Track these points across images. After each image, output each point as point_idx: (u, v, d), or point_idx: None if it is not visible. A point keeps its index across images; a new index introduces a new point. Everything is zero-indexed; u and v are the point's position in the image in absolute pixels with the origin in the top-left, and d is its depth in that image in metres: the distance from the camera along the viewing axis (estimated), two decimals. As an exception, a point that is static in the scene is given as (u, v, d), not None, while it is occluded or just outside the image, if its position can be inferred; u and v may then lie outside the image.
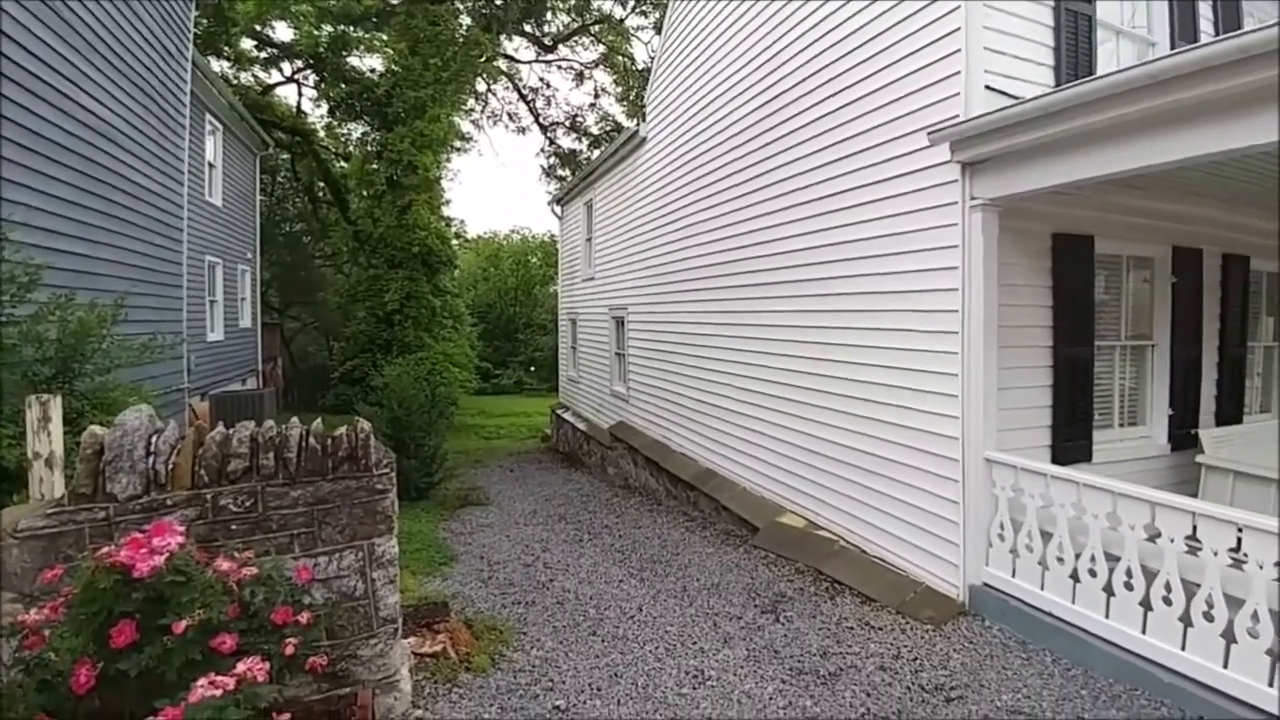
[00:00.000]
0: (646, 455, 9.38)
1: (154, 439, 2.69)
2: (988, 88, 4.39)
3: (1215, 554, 3.18)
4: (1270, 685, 2.98)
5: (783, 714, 3.32)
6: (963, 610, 4.37)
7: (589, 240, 13.61)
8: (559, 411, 15.03)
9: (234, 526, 2.80)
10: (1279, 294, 6.72)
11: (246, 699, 2.04)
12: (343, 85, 17.00)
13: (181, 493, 2.70)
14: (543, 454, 14.02)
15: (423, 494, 8.52)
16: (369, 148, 17.02)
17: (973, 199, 4.32)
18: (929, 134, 4.47)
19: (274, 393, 12.99)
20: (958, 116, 4.34)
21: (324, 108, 19.96)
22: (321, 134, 21.42)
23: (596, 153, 20.14)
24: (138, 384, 5.05)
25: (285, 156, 21.68)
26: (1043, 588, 4.00)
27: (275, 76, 20.45)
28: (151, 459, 2.66)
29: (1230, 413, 6.02)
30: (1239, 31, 2.87)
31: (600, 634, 4.26)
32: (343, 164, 21.02)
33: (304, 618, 2.50)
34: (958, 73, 4.42)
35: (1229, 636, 3.14)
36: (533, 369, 27.00)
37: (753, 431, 6.98)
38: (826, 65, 5.76)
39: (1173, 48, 5.20)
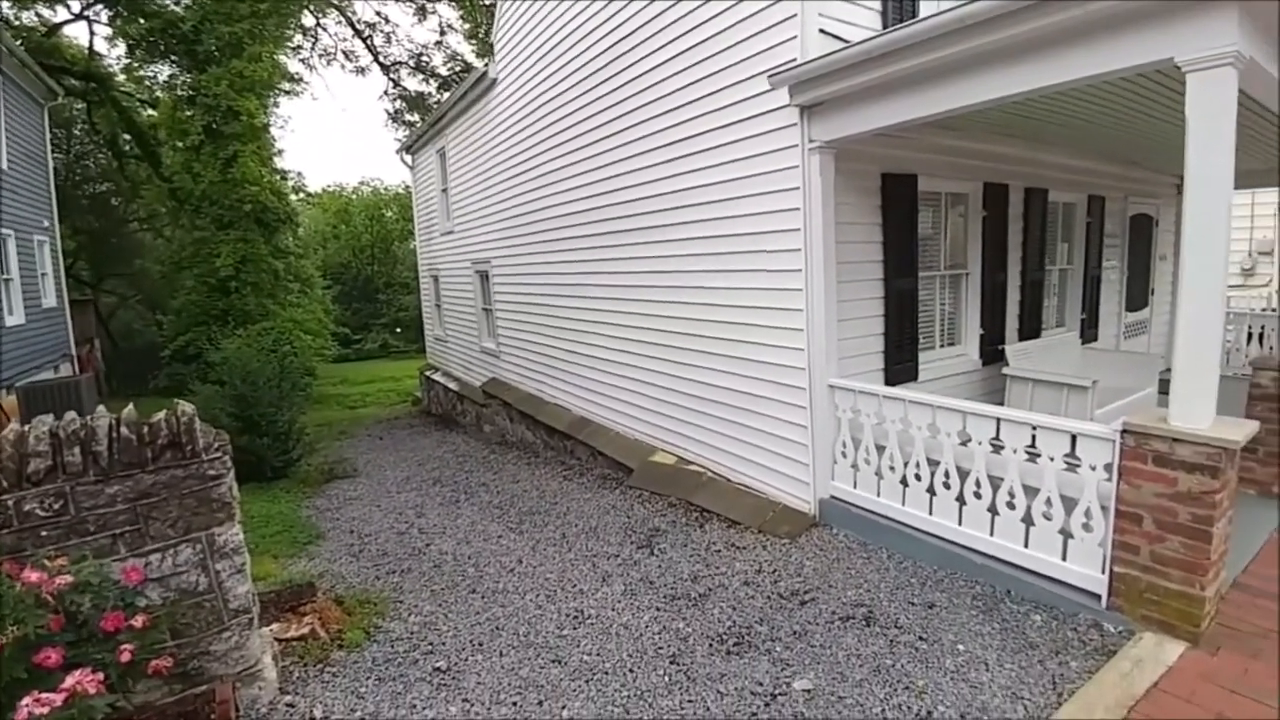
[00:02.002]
0: (521, 410, 9.31)
1: (-66, 443, 2.31)
2: (822, 31, 4.54)
3: (1015, 452, 3.68)
4: (1063, 559, 3.53)
5: (658, 639, 3.53)
6: (814, 523, 4.82)
7: (444, 191, 12.90)
8: (428, 373, 14.47)
9: (44, 533, 2.53)
10: (1072, 222, 7.70)
11: (81, 713, 1.94)
12: (141, 21, 14.59)
13: (-25, 501, 2.35)
14: (415, 418, 13.51)
15: (280, 473, 7.98)
16: (180, 92, 14.94)
17: (811, 141, 4.53)
18: (769, 77, 4.60)
19: (93, 379, 11.47)
20: (795, 60, 4.49)
21: (121, 48, 17.06)
22: (121, 78, 18.38)
23: (446, 95, 18.95)
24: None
25: (80, 106, 18.51)
26: (879, 494, 4.49)
27: (61, 15, 17.17)
28: (-67, 466, 2.29)
29: (1031, 329, 6.90)
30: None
31: (480, 591, 4.27)
32: (150, 112, 18.27)
33: (139, 621, 2.35)
34: (794, 16, 4.52)
35: (1028, 521, 3.67)
36: (399, 331, 25.70)
37: (622, 377, 7.12)
38: (669, 6, 5.71)
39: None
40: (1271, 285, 11.43)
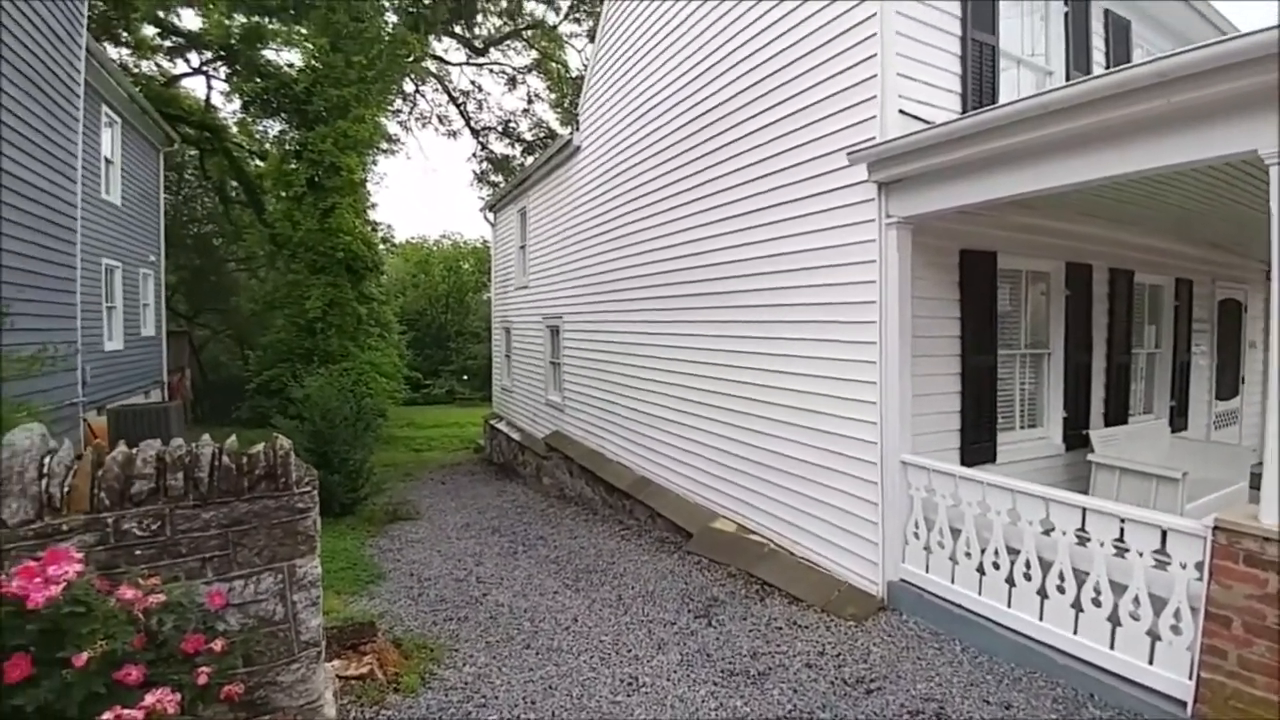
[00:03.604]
0: (582, 464, 9.36)
1: (47, 460, 2.52)
2: (901, 112, 4.65)
3: (1101, 545, 3.47)
4: (1150, 663, 3.27)
5: (714, 715, 3.40)
6: (882, 606, 4.59)
7: (523, 248, 13.49)
8: (493, 422, 14.79)
9: (139, 552, 2.63)
10: (1159, 305, 7.39)
11: (157, 731, 1.95)
12: (258, 80, 16.15)
13: (79, 517, 2.52)
14: (476, 465, 13.75)
15: (348, 510, 8.21)
16: (287, 147, 16.25)
17: (888, 217, 4.57)
18: (848, 154, 4.70)
19: (180, 406, 12.20)
20: (874, 139, 4.59)
21: (236, 103, 18.92)
22: (234, 130, 20.28)
23: (530, 159, 20.01)
24: (25, 398, 4.67)
25: (193, 153, 20.42)
26: (953, 581, 4.26)
27: (181, 67, 19.25)
28: (45, 481, 2.48)
29: (1117, 414, 6.57)
30: (1123, 66, 3.16)
31: (535, 647, 4.23)
32: (258, 162, 19.95)
33: (218, 645, 2.41)
34: (874, 97, 4.66)
35: (1114, 620, 3.42)
36: (465, 378, 26.42)
37: (686, 439, 7.10)
38: (754, 84, 5.96)
39: (1068, 77, 5.64)
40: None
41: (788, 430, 5.55)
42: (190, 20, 17.88)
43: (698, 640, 4.29)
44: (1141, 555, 3.30)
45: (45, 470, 2.50)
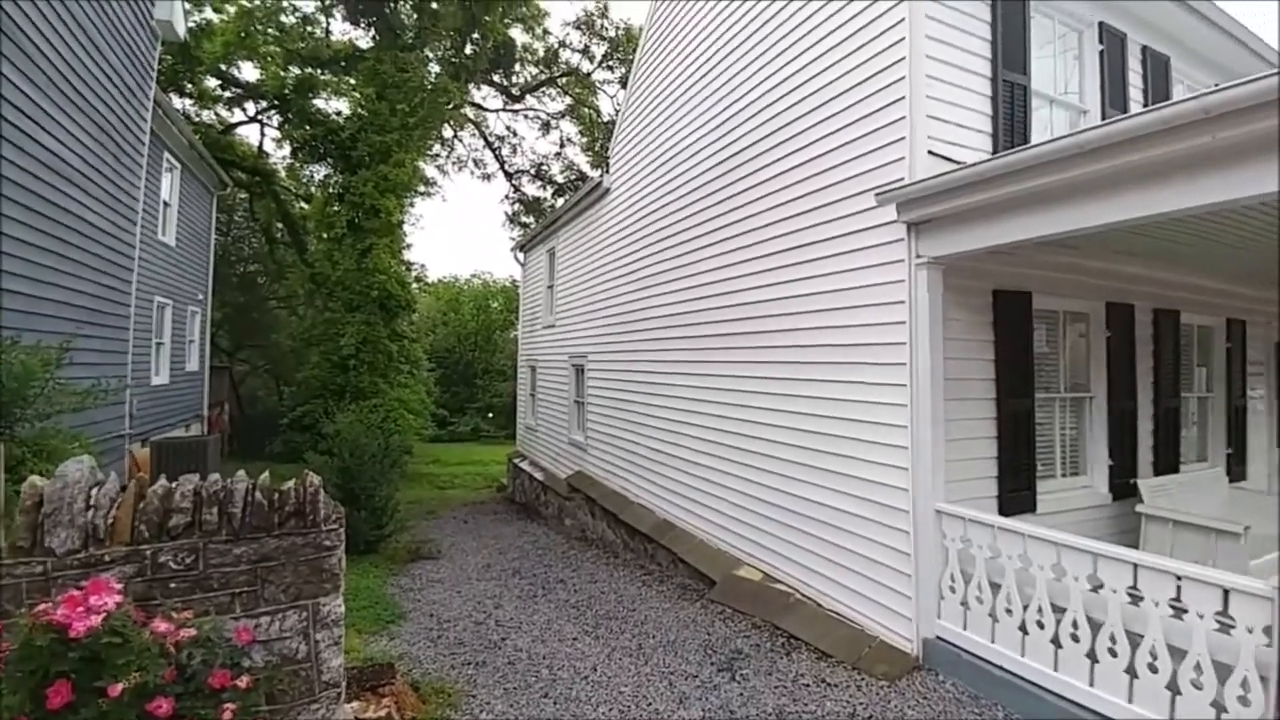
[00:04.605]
0: (604, 506, 9.26)
1: (94, 491, 2.59)
2: (930, 152, 4.64)
3: (1156, 605, 3.25)
4: (1214, 737, 3.03)
5: (740, 777, 3.24)
6: (917, 665, 4.37)
7: (550, 288, 13.68)
8: (516, 460, 14.78)
9: (173, 585, 2.67)
10: (1209, 347, 7.13)
11: (183, 765, 1.99)
12: (307, 127, 17.00)
13: (120, 548, 2.58)
14: (498, 504, 13.70)
15: (372, 547, 8.21)
16: (331, 190, 16.93)
17: (918, 257, 4.52)
18: (876, 195, 4.70)
19: (218, 440, 12.46)
20: (903, 179, 4.57)
21: (286, 149, 19.90)
22: (283, 174, 21.25)
23: (560, 201, 20.47)
24: (78, 430, 4.82)
25: (243, 196, 21.39)
26: (993, 640, 4.04)
27: (238, 116, 20.36)
28: (91, 513, 2.55)
29: (1167, 462, 6.28)
30: (1164, 103, 3.08)
31: (553, 696, 4.12)
32: (303, 205, 20.82)
33: (243, 681, 2.42)
34: (903, 138, 4.68)
35: (1174, 688, 3.18)
36: (490, 416, 26.59)
37: (710, 483, 6.99)
38: (782, 126, 6.04)
39: (1103, 115, 5.59)
40: None
41: (815, 475, 5.42)
42: (249, 72, 19.01)
43: (720, 695, 4.13)
44: (1202, 617, 3.09)
45: (92, 501, 2.57)
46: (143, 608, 2.46)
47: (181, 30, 9.31)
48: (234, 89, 19.16)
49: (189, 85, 17.60)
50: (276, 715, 2.79)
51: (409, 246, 19.75)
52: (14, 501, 2.53)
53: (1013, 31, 5.14)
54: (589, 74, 24.46)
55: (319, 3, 18.52)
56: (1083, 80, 5.79)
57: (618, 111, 13.59)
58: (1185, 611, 3.16)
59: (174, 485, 2.77)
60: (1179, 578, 3.21)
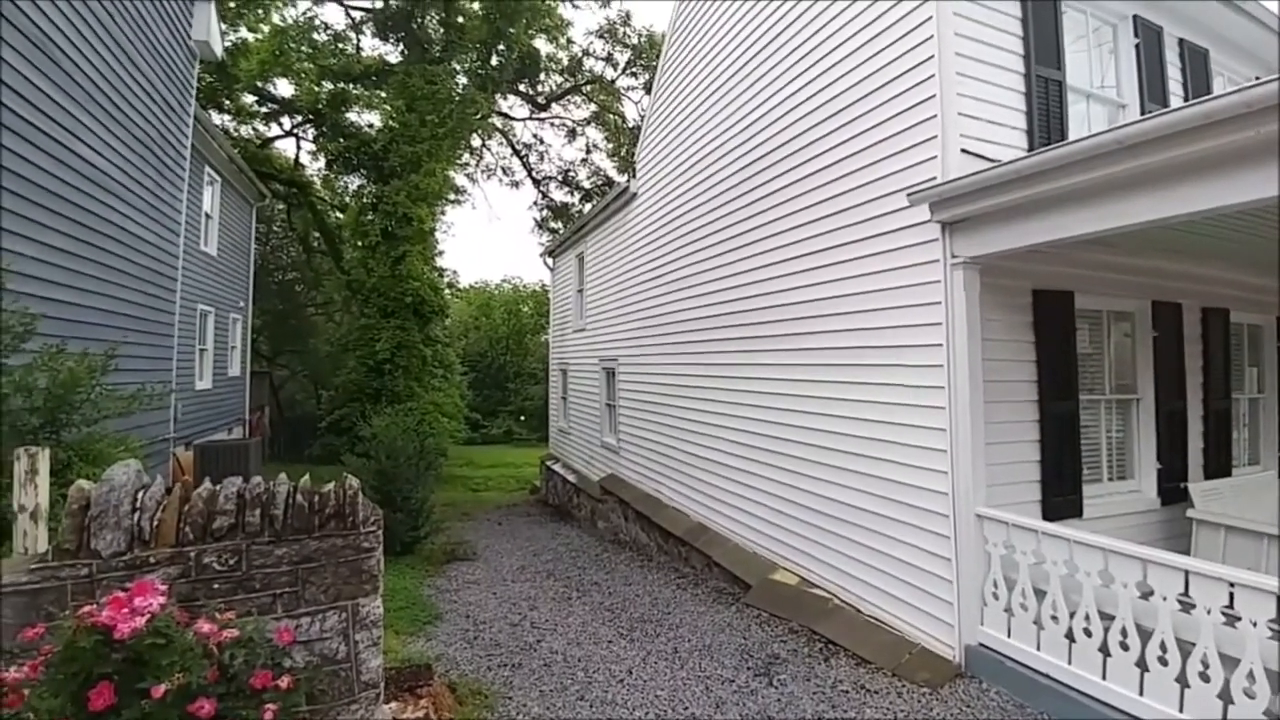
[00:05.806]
0: (637, 509, 9.27)
1: (140, 495, 2.66)
2: (964, 150, 4.56)
3: (1208, 612, 3.14)
4: (1270, 749, 2.92)
5: (777, 783, 3.20)
6: (959, 672, 4.28)
7: (580, 292, 13.77)
8: (549, 463, 14.89)
9: (216, 585, 2.73)
10: (1260, 346, 6.86)
11: (225, 766, 1.99)
12: (341, 140, 17.46)
13: (165, 550, 2.64)
14: (532, 506, 13.81)
15: (408, 549, 8.34)
16: (365, 200, 17.34)
17: (953, 257, 4.44)
18: (908, 195, 4.62)
19: (259, 443, 12.79)
20: (936, 178, 4.50)
21: (322, 161, 20.46)
22: (318, 185, 21.83)
23: (588, 206, 20.57)
24: (124, 434, 4.99)
25: (281, 207, 22.03)
26: (1039, 648, 3.94)
27: (275, 130, 21.02)
28: (137, 515, 2.62)
29: (1219, 465, 6.05)
30: (1205, 97, 2.98)
31: (589, 699, 4.13)
32: (338, 215, 21.36)
33: (284, 682, 2.44)
34: (935, 136, 4.60)
35: (1225, 697, 3.08)
36: (523, 419, 26.85)
37: (745, 486, 6.94)
38: (812, 126, 5.98)
39: (1143, 110, 5.42)
40: None
41: (852, 478, 5.35)
42: (284, 88, 19.60)
43: (758, 701, 4.09)
44: (1255, 625, 2.98)
45: (138, 504, 2.64)
46: (186, 609, 2.50)
47: (219, 49, 9.62)
48: (270, 104, 19.78)
49: (227, 102, 18.20)
50: (316, 715, 2.84)
51: (441, 253, 20.14)
52: (59, 504, 2.61)
53: (1044, 26, 5.03)
54: (613, 81, 24.58)
55: (349, 20, 19.07)
56: (1119, 74, 5.64)
57: (642, 117, 13.62)
58: (1238, 619, 3.06)
59: (218, 488, 2.84)
60: (1232, 585, 3.10)
